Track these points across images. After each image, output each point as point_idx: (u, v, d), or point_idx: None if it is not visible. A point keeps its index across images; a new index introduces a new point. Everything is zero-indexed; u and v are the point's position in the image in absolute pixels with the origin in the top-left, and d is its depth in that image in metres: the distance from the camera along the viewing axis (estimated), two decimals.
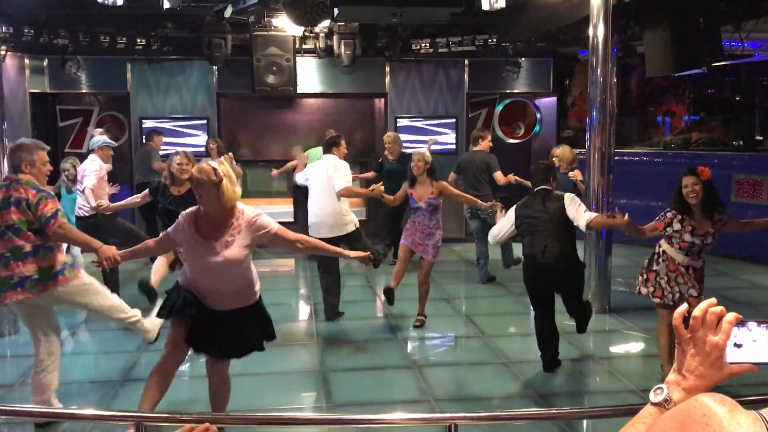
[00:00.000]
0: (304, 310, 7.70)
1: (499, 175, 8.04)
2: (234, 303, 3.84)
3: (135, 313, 4.91)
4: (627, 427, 1.32)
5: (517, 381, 5.32)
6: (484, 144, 8.29)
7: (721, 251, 9.56)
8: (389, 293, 6.36)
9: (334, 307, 6.82)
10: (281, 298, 7.80)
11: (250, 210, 3.81)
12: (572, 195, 5.26)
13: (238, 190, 3.77)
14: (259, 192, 11.98)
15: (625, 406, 1.66)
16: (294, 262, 10.15)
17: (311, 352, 6.01)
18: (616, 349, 6.28)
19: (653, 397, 1.28)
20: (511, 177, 8.04)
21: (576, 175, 7.36)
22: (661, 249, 4.96)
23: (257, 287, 3.95)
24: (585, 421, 4.52)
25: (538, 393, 5.04)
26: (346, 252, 4.15)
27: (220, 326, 3.85)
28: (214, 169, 3.61)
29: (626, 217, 4.88)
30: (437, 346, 6.48)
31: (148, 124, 10.53)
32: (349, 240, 6.45)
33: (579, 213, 5.09)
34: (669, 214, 4.86)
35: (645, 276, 5.01)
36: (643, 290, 5.02)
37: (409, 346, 6.24)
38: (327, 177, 6.51)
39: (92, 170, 6.80)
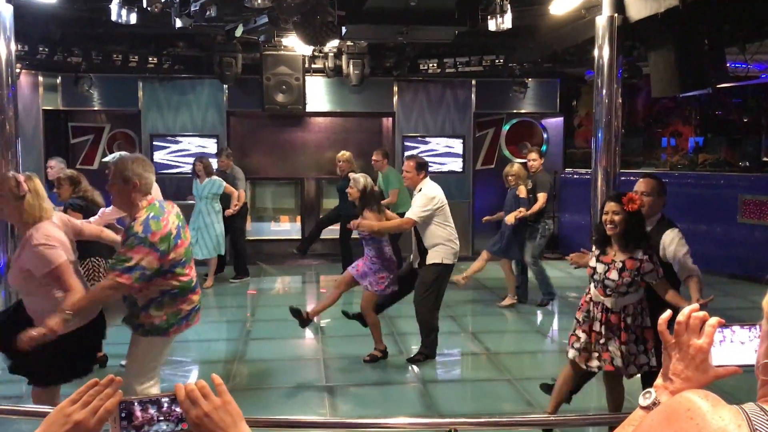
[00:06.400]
0: (310, 327, 7.72)
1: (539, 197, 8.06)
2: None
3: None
4: (618, 430, 1.37)
5: (522, 397, 5.33)
6: (532, 165, 8.38)
7: (729, 271, 9.58)
8: (296, 313, 6.12)
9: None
10: (288, 314, 7.83)
11: (41, 232, 3.39)
12: None
13: (47, 205, 3.49)
14: (267, 210, 12.07)
15: (623, 414, 1.70)
16: (300, 278, 10.20)
17: (317, 368, 6.05)
18: None
19: (642, 400, 1.33)
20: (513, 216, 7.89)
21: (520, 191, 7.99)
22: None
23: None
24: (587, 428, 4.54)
25: (543, 409, 5.04)
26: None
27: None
28: (18, 183, 3.41)
29: None
30: (443, 362, 6.49)
31: (159, 141, 10.67)
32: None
33: None
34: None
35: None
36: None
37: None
38: None
39: None
